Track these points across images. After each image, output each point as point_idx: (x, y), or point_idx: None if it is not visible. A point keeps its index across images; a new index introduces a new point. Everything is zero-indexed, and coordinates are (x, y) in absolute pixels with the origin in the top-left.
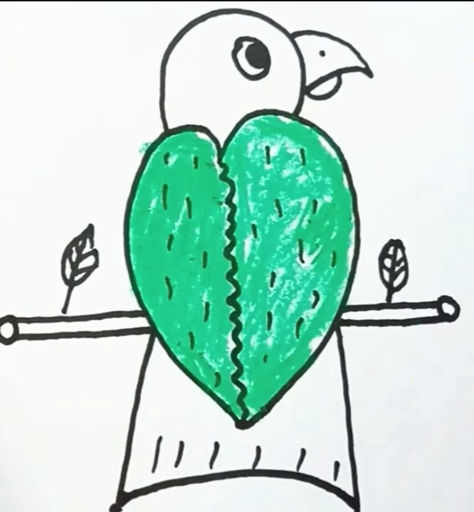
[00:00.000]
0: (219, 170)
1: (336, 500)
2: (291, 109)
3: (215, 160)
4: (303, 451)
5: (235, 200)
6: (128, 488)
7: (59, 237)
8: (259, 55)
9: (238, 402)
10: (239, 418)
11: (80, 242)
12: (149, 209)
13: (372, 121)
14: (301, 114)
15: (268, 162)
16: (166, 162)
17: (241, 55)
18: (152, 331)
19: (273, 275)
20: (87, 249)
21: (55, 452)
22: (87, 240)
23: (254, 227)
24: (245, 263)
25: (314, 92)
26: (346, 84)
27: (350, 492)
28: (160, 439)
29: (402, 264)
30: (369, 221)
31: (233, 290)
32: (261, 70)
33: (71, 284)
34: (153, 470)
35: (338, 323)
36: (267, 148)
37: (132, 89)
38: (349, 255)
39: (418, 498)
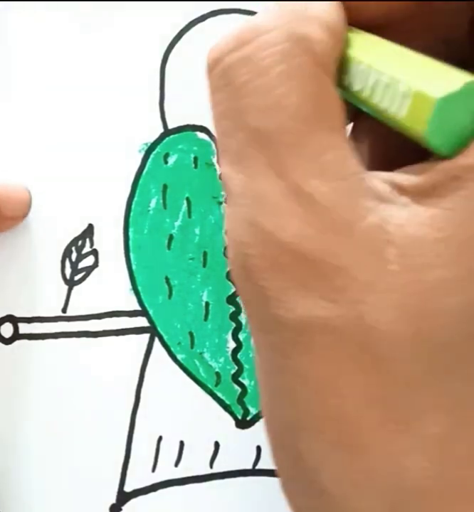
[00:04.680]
0: (219, 170)
1: None
2: None
3: (215, 160)
4: None
5: None
6: (128, 488)
7: (59, 237)
8: None
9: (239, 402)
10: (239, 418)
11: (80, 242)
12: (149, 209)
13: None
14: None
15: None
16: (166, 162)
17: None
18: (152, 331)
19: None
20: (87, 249)
21: (54, 452)
22: (87, 240)
23: None
24: None
25: None
26: None
27: None
28: (160, 438)
29: None
30: None
31: (233, 289)
32: None
33: (71, 283)
34: (153, 470)
35: None
36: None
37: (131, 89)
38: None
39: None
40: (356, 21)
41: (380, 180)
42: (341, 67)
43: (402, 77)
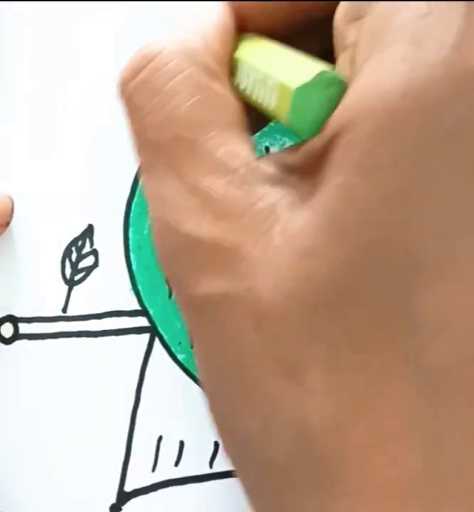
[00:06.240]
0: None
1: None
2: None
3: None
4: None
5: None
6: (128, 488)
7: (59, 237)
8: None
9: None
10: None
11: (80, 242)
12: (149, 209)
13: None
14: None
15: None
16: None
17: None
18: (152, 331)
19: None
20: (87, 249)
21: (54, 452)
22: (87, 240)
23: None
24: None
25: None
26: None
27: None
28: (160, 438)
29: None
30: None
31: None
32: None
33: (71, 283)
34: (153, 469)
35: None
36: (267, 149)
37: None
38: None
39: None
40: (247, 29)
41: (273, 163)
42: (234, 69)
43: (272, 73)
